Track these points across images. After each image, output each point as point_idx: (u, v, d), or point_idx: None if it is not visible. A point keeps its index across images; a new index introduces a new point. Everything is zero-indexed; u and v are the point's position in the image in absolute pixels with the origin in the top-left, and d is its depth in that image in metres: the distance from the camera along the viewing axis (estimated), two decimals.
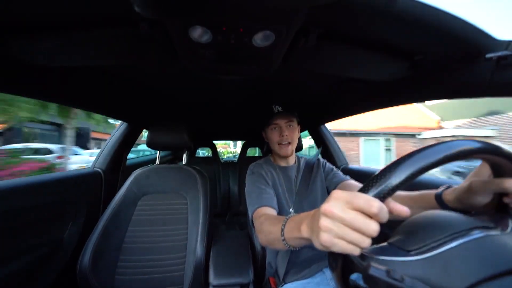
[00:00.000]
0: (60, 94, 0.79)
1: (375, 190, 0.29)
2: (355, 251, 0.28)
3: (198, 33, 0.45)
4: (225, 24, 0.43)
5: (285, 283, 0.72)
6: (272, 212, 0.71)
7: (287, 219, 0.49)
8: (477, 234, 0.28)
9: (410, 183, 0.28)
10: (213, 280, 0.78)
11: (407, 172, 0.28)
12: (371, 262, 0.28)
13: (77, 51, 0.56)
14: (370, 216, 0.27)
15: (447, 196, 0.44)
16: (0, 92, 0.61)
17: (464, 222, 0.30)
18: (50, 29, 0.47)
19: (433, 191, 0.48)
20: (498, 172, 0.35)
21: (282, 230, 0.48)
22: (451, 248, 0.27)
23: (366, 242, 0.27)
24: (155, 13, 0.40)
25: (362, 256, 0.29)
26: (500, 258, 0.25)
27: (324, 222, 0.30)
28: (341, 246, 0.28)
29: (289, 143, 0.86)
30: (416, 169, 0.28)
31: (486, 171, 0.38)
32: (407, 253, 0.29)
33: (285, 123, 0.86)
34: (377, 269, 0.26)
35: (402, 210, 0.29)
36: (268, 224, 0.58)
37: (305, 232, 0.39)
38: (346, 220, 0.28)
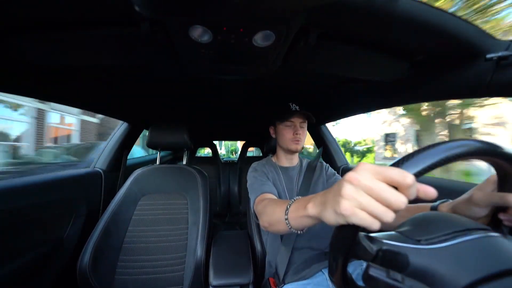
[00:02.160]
0: (61, 94, 0.79)
1: (409, 166, 0.27)
2: (375, 225, 0.26)
3: (199, 33, 0.45)
4: (225, 24, 0.43)
5: (284, 284, 0.72)
6: (275, 198, 0.72)
7: (294, 200, 0.49)
8: (488, 233, 0.28)
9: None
10: (212, 280, 0.78)
11: (441, 155, 0.27)
12: (381, 246, 0.27)
13: (77, 51, 0.56)
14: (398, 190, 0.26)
15: (443, 208, 0.45)
16: (0, 92, 0.61)
17: (473, 223, 0.31)
18: (50, 29, 0.47)
19: (429, 204, 0.49)
20: (504, 186, 0.35)
21: (287, 209, 0.48)
22: (463, 242, 0.27)
23: (390, 216, 0.26)
24: (156, 12, 0.40)
25: (372, 239, 0.28)
26: (510, 257, 0.26)
27: (347, 189, 0.28)
28: (362, 217, 0.26)
29: (299, 140, 0.88)
30: (452, 154, 0.27)
31: (490, 186, 0.38)
32: (417, 242, 0.29)
33: (300, 123, 0.88)
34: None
35: (430, 191, 0.27)
36: (272, 205, 0.59)
37: (311, 209, 0.38)
38: (373, 190, 0.26)
